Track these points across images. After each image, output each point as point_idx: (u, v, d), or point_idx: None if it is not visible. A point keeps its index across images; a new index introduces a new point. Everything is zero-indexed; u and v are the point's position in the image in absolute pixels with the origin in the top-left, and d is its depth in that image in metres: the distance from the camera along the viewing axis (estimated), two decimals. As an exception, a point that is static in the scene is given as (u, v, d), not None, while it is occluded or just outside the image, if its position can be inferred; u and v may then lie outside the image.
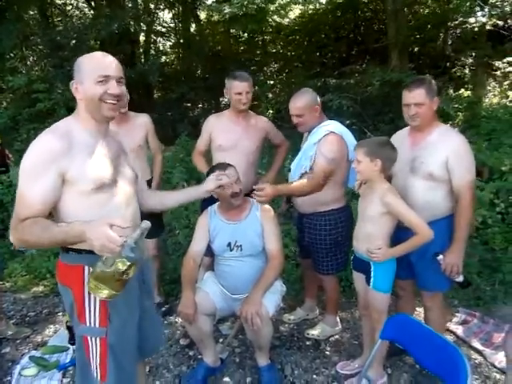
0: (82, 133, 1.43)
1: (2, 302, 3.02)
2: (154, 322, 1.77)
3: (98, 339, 1.45)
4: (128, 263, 1.24)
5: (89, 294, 1.40)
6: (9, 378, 2.34)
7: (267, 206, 2.27)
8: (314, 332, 2.62)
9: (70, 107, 6.31)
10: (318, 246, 2.43)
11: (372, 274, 2.02)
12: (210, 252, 2.33)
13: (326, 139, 2.25)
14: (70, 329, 2.57)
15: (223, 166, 2.15)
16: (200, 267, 2.44)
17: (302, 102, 2.29)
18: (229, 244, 2.21)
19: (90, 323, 1.44)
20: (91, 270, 1.29)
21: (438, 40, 8.38)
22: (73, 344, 2.57)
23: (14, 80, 6.26)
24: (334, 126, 2.31)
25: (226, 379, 2.31)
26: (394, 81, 5.82)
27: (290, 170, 2.52)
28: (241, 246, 2.20)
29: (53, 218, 1.41)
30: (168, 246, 3.87)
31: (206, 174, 2.22)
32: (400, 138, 2.18)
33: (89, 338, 1.46)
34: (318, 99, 2.37)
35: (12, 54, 7.30)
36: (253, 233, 2.20)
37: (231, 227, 2.22)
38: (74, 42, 7.10)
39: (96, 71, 1.39)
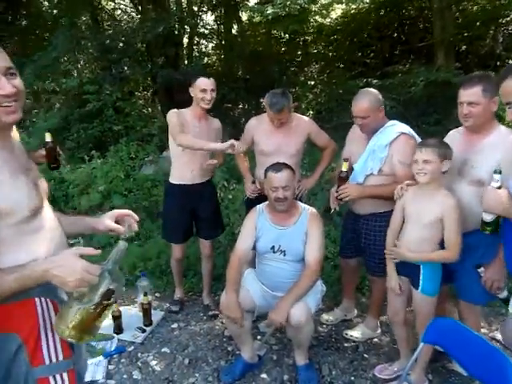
0: None
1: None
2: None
3: (64, 374, 1.18)
4: (111, 289, 1.11)
5: (45, 327, 1.16)
6: (60, 362, 2.47)
7: (316, 214, 2.27)
8: (354, 333, 2.61)
9: (116, 107, 6.60)
10: (376, 248, 2.39)
11: (421, 278, 1.98)
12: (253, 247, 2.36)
13: (400, 142, 2.22)
14: (115, 318, 2.70)
15: (278, 168, 2.17)
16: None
17: (367, 103, 2.24)
18: (272, 247, 2.23)
19: (50, 361, 1.16)
20: (70, 317, 1.09)
21: (488, 38, 8.02)
22: (118, 333, 2.70)
23: (66, 82, 6.60)
24: (402, 126, 2.29)
25: (264, 376, 2.34)
26: (439, 81, 5.65)
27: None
28: (284, 251, 2.22)
29: None
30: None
31: (264, 173, 2.26)
32: (453, 138, 2.10)
33: (51, 378, 1.16)
34: (381, 99, 2.33)
35: (65, 58, 7.69)
36: (298, 240, 2.20)
37: (277, 231, 2.24)
38: (121, 45, 7.38)
39: None
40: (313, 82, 8.72)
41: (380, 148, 2.26)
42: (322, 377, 2.31)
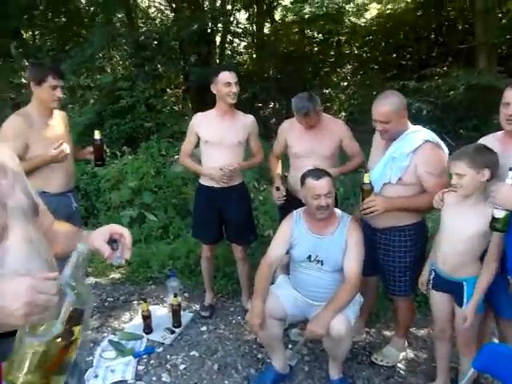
0: None
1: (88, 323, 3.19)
2: None
3: None
4: (78, 308, 0.85)
5: None
6: (91, 358, 2.48)
7: (355, 223, 2.17)
8: (380, 357, 2.44)
9: (148, 104, 6.65)
10: (395, 265, 2.25)
11: (465, 295, 1.87)
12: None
13: (425, 151, 2.06)
14: (144, 318, 2.69)
15: (318, 174, 2.09)
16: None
17: (389, 106, 2.06)
18: (309, 256, 2.16)
19: None
20: (25, 360, 0.82)
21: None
22: (147, 333, 2.68)
23: (101, 78, 6.72)
24: (426, 132, 2.13)
25: (295, 387, 2.27)
26: (481, 85, 5.42)
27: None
28: (322, 261, 2.14)
29: None
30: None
31: (300, 179, 2.18)
32: (488, 143, 1.94)
33: None
34: (405, 103, 2.17)
35: (101, 54, 7.82)
36: (337, 250, 2.12)
37: (314, 240, 2.16)
38: (155, 42, 7.44)
39: None
40: (346, 83, 8.57)
41: (401, 156, 2.09)
42: (355, 392, 2.23)
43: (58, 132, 2.44)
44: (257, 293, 2.11)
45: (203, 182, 2.77)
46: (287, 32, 9.28)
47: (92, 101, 7.19)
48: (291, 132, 2.66)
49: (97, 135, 2.55)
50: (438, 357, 2.19)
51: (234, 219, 2.78)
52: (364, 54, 9.01)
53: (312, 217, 2.16)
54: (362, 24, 8.98)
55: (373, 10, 9.16)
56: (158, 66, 7.28)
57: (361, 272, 2.10)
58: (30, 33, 8.72)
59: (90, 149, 2.60)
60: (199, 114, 2.81)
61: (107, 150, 2.63)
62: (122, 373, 2.35)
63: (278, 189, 2.62)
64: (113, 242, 1.08)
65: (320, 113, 2.54)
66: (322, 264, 2.14)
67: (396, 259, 2.24)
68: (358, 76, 8.73)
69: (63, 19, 8.10)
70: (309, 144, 2.55)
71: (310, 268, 2.18)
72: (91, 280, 3.52)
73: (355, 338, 2.61)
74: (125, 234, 1.11)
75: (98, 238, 1.09)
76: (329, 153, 2.57)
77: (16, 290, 0.77)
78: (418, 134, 2.12)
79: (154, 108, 6.71)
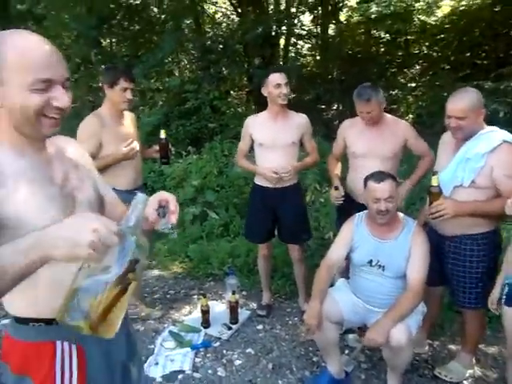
0: (6, 155, 0.96)
1: (141, 281, 3.19)
2: None
3: None
4: (136, 258, 0.83)
5: (62, 377, 1.01)
6: (152, 346, 2.61)
7: (421, 229, 2.08)
8: (444, 372, 2.29)
9: (213, 106, 6.85)
10: (465, 275, 2.11)
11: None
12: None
13: (503, 152, 1.92)
14: (203, 313, 2.77)
15: (380, 177, 2.03)
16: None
17: (467, 102, 1.95)
18: (370, 261, 2.10)
19: None
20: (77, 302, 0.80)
21: None
22: (205, 327, 2.76)
23: (169, 81, 7.06)
24: (504, 133, 1.98)
25: (350, 394, 2.22)
26: None
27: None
28: (383, 266, 2.07)
29: None
30: (304, 247, 3.89)
31: (363, 181, 2.13)
32: None
33: None
34: (483, 101, 2.04)
35: (170, 59, 8.21)
36: (400, 256, 2.04)
37: (376, 244, 2.10)
38: (220, 46, 7.66)
39: (31, 72, 0.90)
40: (414, 84, 8.20)
41: (476, 157, 1.95)
42: (415, 406, 2.12)
43: (128, 131, 2.59)
44: (315, 294, 2.09)
45: (258, 181, 2.80)
46: (353, 33, 9.10)
47: (160, 102, 7.57)
48: (351, 130, 2.60)
49: (162, 134, 2.66)
50: (510, 378, 2.02)
51: (288, 219, 2.78)
52: (434, 54, 8.55)
53: (373, 220, 2.10)
54: (433, 22, 8.55)
55: (445, 8, 8.69)
56: (223, 68, 7.47)
57: (425, 280, 2.00)
58: (108, 41, 9.36)
59: (156, 147, 2.72)
60: (252, 116, 2.87)
61: (172, 149, 2.75)
62: (181, 363, 2.44)
63: (336, 188, 2.56)
64: (161, 209, 1.07)
65: (382, 106, 2.44)
66: (383, 269, 2.08)
67: (467, 269, 2.10)
68: (428, 77, 8.32)
69: (137, 27, 8.59)
70: (368, 144, 2.47)
71: (371, 273, 2.12)
72: (155, 273, 3.70)
73: (417, 350, 2.49)
74: (170, 199, 1.08)
75: (149, 207, 1.09)
76: (390, 153, 2.47)
77: (83, 221, 0.80)
78: (495, 134, 1.98)
79: (219, 110, 6.90)
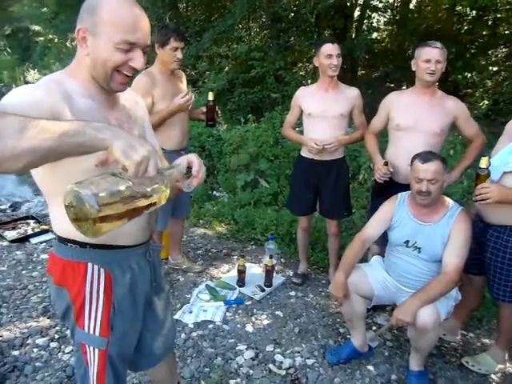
0: (83, 98, 1.08)
1: (182, 236, 3.29)
2: (158, 331, 1.44)
3: (96, 350, 1.20)
4: (155, 193, 0.94)
5: (90, 295, 1.16)
6: (189, 296, 2.80)
7: (465, 215, 2.00)
8: (472, 362, 2.24)
9: (277, 76, 6.81)
10: (503, 266, 2.02)
11: None
12: (381, 238, 2.23)
13: None
14: (239, 272, 2.90)
15: (426, 157, 1.96)
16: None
17: None
18: (406, 241, 2.07)
19: (88, 330, 1.19)
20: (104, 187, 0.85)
21: None
22: (240, 286, 2.90)
23: (237, 48, 7.09)
24: None
25: (370, 367, 2.24)
26: None
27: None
28: (420, 248, 2.04)
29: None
30: (341, 223, 3.88)
31: (411, 160, 2.06)
32: None
33: (87, 346, 1.20)
34: None
35: (240, 26, 8.21)
36: (437, 240, 2.00)
37: (415, 226, 2.06)
38: (292, 14, 7.52)
39: (120, 32, 1.02)
40: (495, 68, 7.54)
41: None
42: (435, 390, 2.11)
43: (179, 90, 2.63)
44: (343, 265, 2.10)
45: (303, 153, 2.80)
46: (435, 8, 8.48)
47: (226, 69, 7.65)
48: (399, 102, 2.44)
49: (210, 97, 2.67)
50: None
51: (330, 193, 2.77)
52: (526, 36, 7.76)
53: (415, 202, 2.05)
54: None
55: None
56: (292, 38, 7.36)
57: (461, 267, 1.94)
58: (184, 4, 9.53)
59: (204, 109, 2.73)
60: (302, 87, 2.85)
61: (219, 112, 2.77)
62: (213, 315, 2.60)
63: (386, 164, 2.40)
64: (189, 169, 1.11)
65: (443, 66, 2.27)
66: (419, 251, 2.04)
67: (506, 261, 2.01)
68: (514, 60, 7.61)
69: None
70: (417, 115, 2.33)
71: (406, 253, 2.09)
72: (201, 231, 3.90)
73: (447, 338, 2.46)
74: (195, 163, 1.10)
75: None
76: (437, 129, 2.32)
77: (146, 142, 0.92)
78: None
79: (283, 80, 6.86)
